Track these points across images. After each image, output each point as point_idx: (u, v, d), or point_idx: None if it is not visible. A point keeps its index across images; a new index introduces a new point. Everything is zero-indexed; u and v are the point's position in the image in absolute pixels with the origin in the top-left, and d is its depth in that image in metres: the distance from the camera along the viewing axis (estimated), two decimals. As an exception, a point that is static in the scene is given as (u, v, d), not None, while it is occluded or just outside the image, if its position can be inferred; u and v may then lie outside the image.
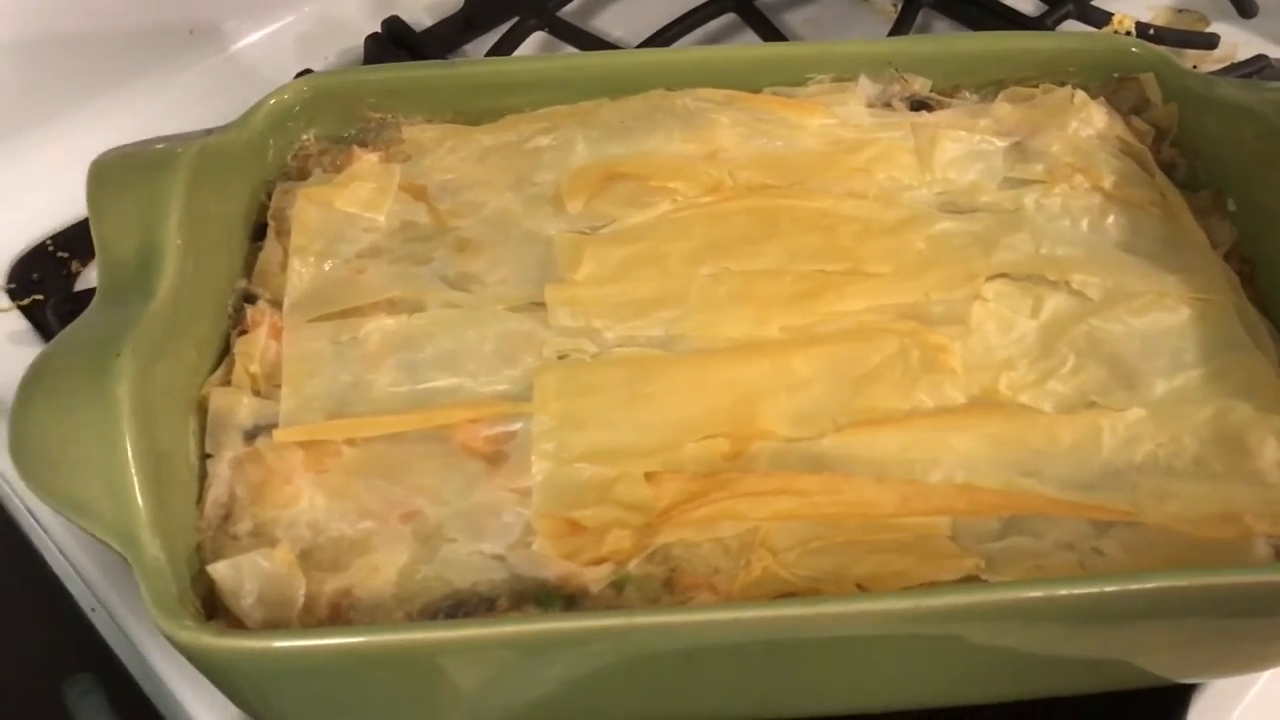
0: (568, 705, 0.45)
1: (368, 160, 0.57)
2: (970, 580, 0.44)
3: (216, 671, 0.42)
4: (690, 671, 0.43)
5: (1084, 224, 0.56)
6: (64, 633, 0.55)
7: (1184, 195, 0.57)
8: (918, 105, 0.60)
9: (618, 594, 0.44)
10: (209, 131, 0.53)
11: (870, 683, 0.47)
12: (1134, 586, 0.41)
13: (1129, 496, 0.46)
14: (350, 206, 0.55)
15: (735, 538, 0.45)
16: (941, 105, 0.60)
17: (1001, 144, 0.58)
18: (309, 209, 0.54)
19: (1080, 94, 0.59)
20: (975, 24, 0.80)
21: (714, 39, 0.81)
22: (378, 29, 0.80)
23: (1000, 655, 0.45)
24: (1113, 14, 0.79)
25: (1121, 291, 0.52)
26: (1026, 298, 0.52)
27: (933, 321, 0.51)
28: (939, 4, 0.81)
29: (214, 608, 0.44)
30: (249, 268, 0.54)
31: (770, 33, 0.79)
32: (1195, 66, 0.75)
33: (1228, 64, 0.77)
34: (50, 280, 0.67)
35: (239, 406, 0.48)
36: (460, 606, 0.44)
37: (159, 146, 0.51)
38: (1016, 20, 0.80)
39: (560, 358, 0.50)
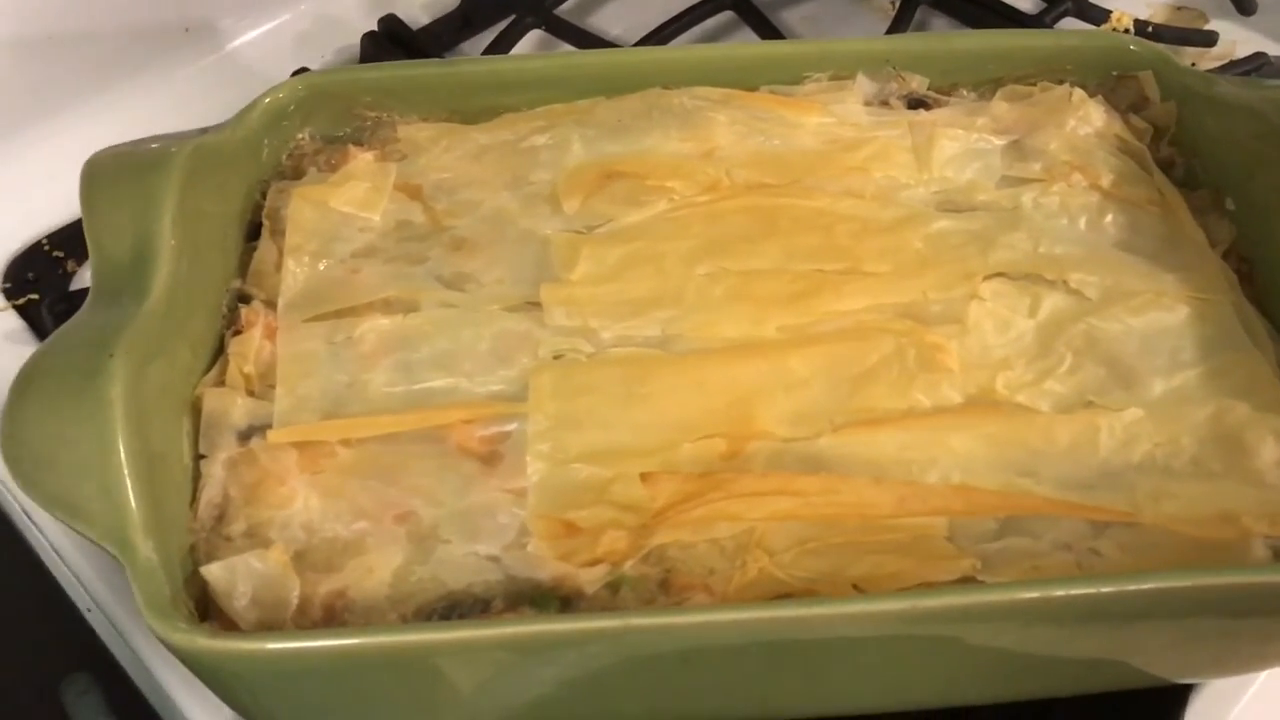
0: (563, 707, 0.45)
1: (363, 159, 0.57)
2: (967, 581, 0.44)
3: (210, 673, 0.42)
4: (686, 673, 0.43)
5: (1082, 223, 0.55)
6: (61, 632, 0.55)
7: (1182, 194, 0.57)
8: (915, 103, 0.60)
9: (613, 595, 0.44)
10: (203, 130, 0.53)
11: (867, 684, 0.46)
12: (1131, 587, 0.41)
13: (1127, 497, 0.46)
14: (345, 206, 0.55)
15: (731, 538, 0.45)
16: (939, 103, 0.60)
17: (999, 142, 0.58)
18: (304, 208, 0.54)
19: (1078, 92, 0.59)
20: (973, 22, 0.80)
21: (711, 37, 0.81)
22: (374, 27, 0.80)
23: (997, 656, 0.44)
24: (1111, 11, 0.79)
25: (1119, 290, 0.52)
26: (1024, 297, 0.52)
27: (930, 321, 0.51)
28: (937, 1, 0.81)
29: (207, 609, 0.44)
30: (243, 267, 0.54)
31: (768, 31, 0.79)
32: (1194, 64, 0.74)
33: (1226, 61, 0.77)
34: (45, 280, 0.67)
35: (233, 407, 0.48)
36: (455, 608, 0.44)
37: (153, 145, 0.51)
38: (1015, 18, 0.79)
39: (556, 358, 0.50)
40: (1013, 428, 0.48)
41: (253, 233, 0.55)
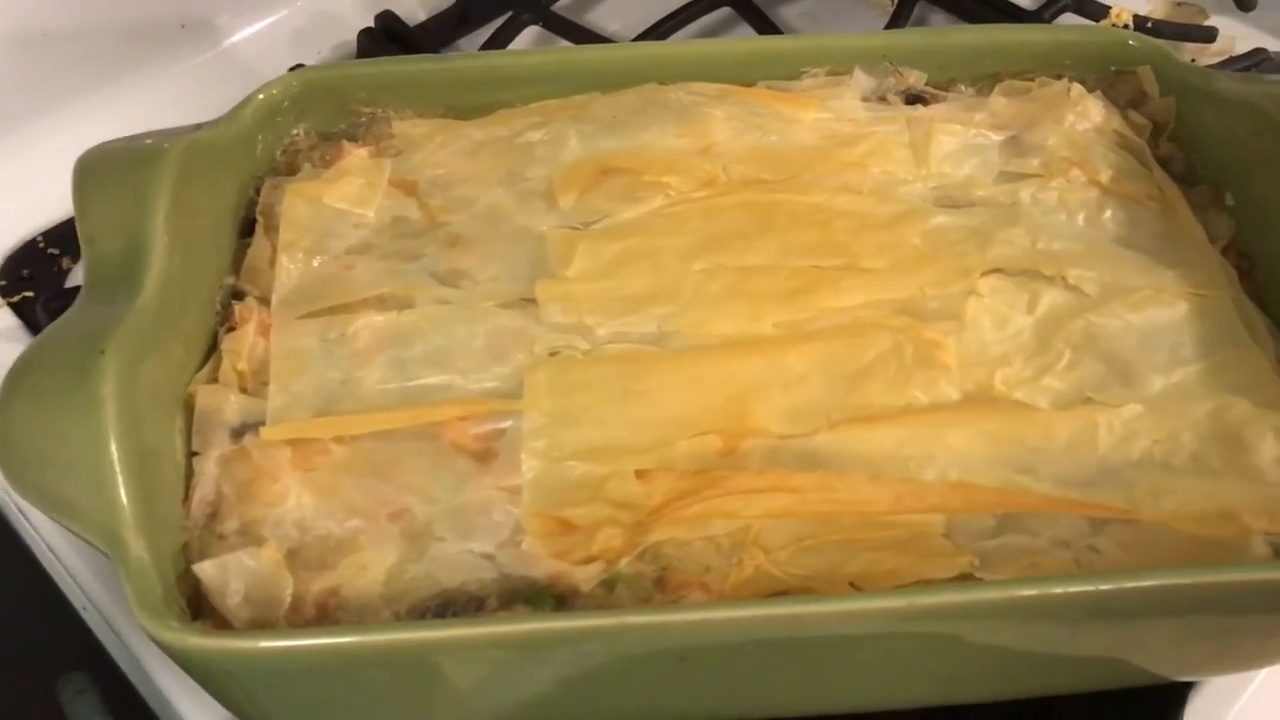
0: (558, 706, 0.44)
1: (358, 155, 0.56)
2: (965, 579, 0.43)
3: (202, 672, 0.42)
4: (682, 671, 0.43)
5: (1081, 218, 0.55)
6: (57, 631, 0.55)
7: (1182, 189, 0.56)
8: (913, 99, 0.60)
9: (608, 593, 0.44)
10: (197, 127, 0.53)
11: (864, 682, 0.46)
12: (1130, 585, 0.41)
13: (1126, 494, 0.46)
14: (340, 202, 0.54)
15: (727, 536, 0.45)
16: (937, 99, 0.60)
17: (997, 138, 0.58)
18: (298, 204, 0.54)
19: (1077, 87, 0.59)
20: (971, 17, 0.80)
21: (709, 33, 0.80)
22: (371, 23, 0.80)
23: (995, 654, 0.44)
24: (1110, 7, 0.78)
25: (1118, 287, 0.52)
26: (1022, 293, 0.52)
27: (928, 317, 0.51)
28: (935, -3, 0.81)
29: (200, 608, 0.44)
30: (237, 264, 0.53)
31: (765, 26, 0.79)
32: (1193, 60, 0.74)
33: (1226, 57, 0.77)
34: (41, 277, 0.67)
35: (226, 404, 0.48)
36: (449, 606, 0.44)
37: (146, 142, 0.50)
38: (1013, 13, 0.79)
39: (551, 354, 0.50)
40: (1011, 424, 0.48)
41: (247, 229, 0.55)
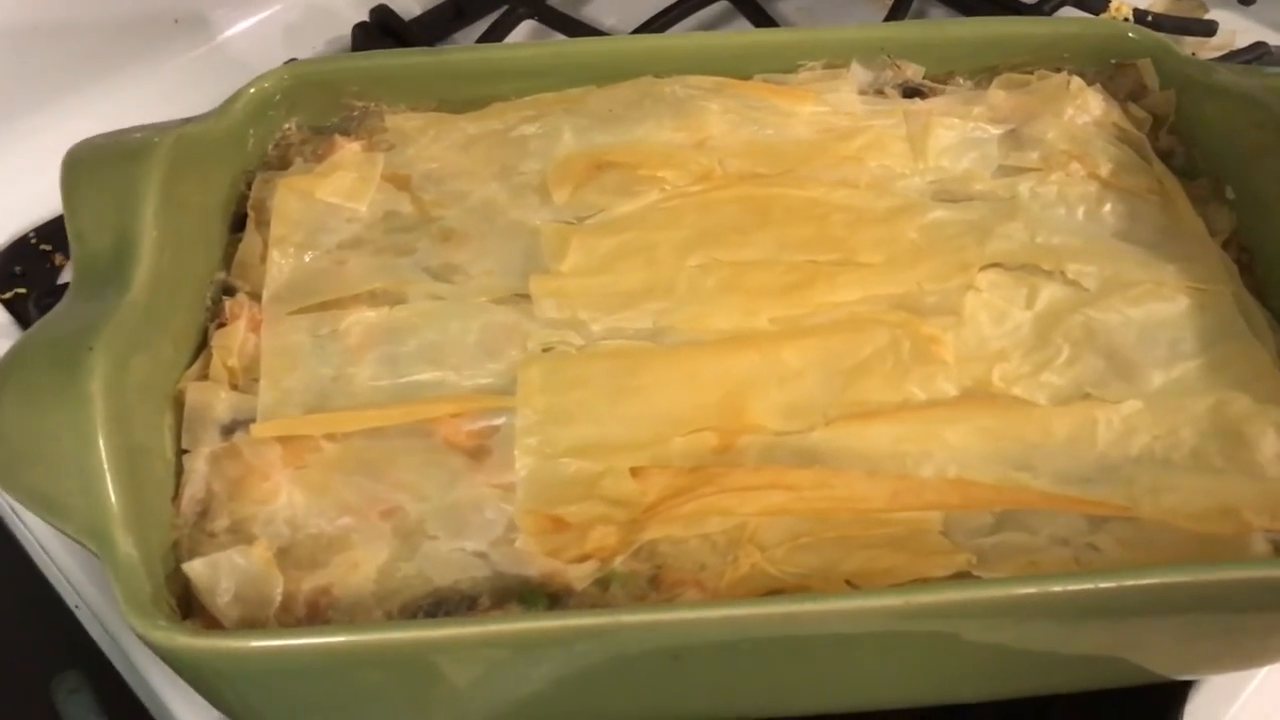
0: (552, 705, 0.44)
1: (350, 149, 0.56)
2: (963, 577, 0.43)
3: (192, 671, 0.41)
4: (677, 670, 0.42)
5: (1080, 212, 0.55)
6: (51, 630, 0.55)
7: (1182, 183, 0.56)
8: (911, 92, 0.59)
9: (603, 592, 0.44)
10: (187, 120, 0.53)
11: (861, 681, 0.46)
12: (1130, 583, 0.40)
13: (1125, 490, 0.46)
14: (332, 196, 0.54)
15: (723, 534, 0.45)
16: (935, 92, 0.59)
17: (996, 131, 0.57)
18: (289, 199, 0.54)
19: (1076, 80, 0.59)
20: (970, 9, 0.80)
21: (706, 27, 0.80)
22: (366, 18, 0.80)
23: (993, 653, 0.44)
24: (1110, 0, 0.78)
25: (1118, 281, 0.52)
26: (1021, 288, 0.51)
27: (925, 312, 0.51)
28: (934, -10, 0.81)
29: (190, 606, 0.43)
30: (228, 259, 0.53)
31: (763, 20, 0.79)
32: (1194, 54, 0.74)
33: (1226, 51, 0.77)
34: (33, 273, 0.67)
35: (216, 401, 0.47)
36: (441, 605, 0.43)
37: (135, 136, 0.50)
38: (1012, 5, 0.79)
39: (545, 350, 0.49)
40: (1009, 421, 0.47)
41: (238, 224, 0.55)
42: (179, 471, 0.46)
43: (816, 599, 0.42)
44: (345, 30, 0.80)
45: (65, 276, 0.66)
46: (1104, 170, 0.56)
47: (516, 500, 0.45)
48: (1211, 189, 0.56)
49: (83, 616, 0.54)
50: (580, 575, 0.43)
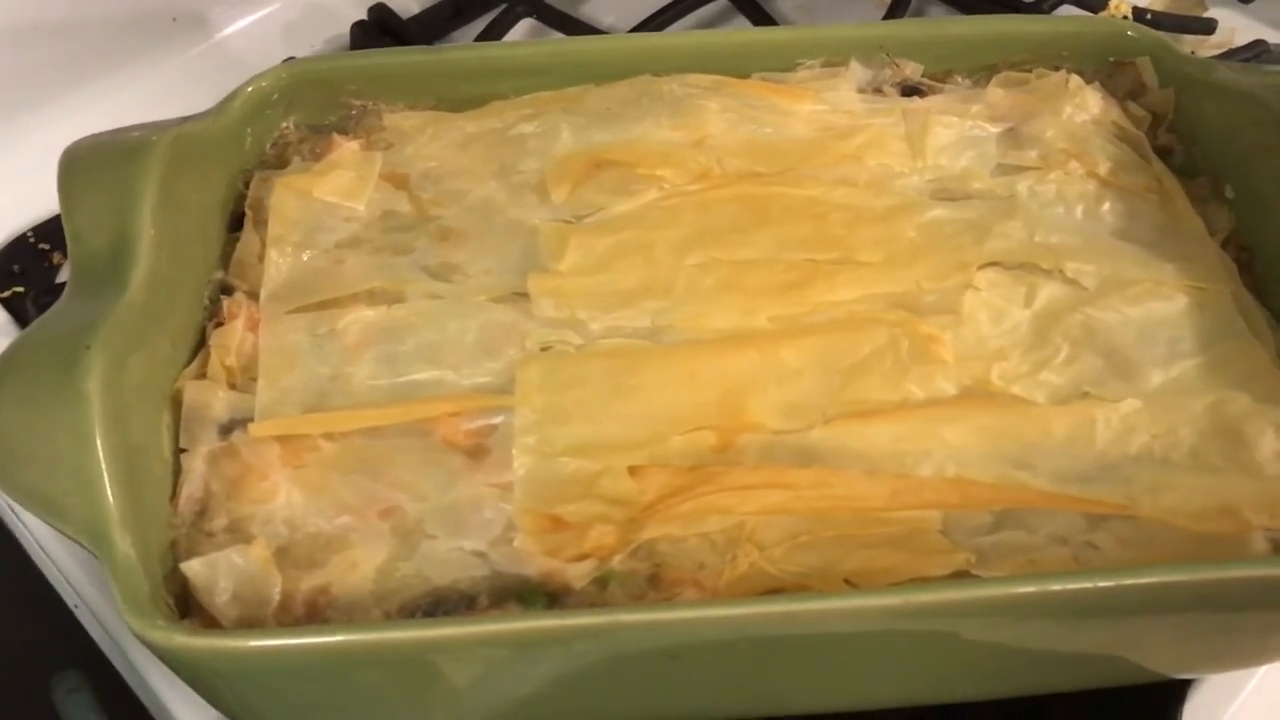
0: (551, 705, 0.44)
1: (348, 148, 0.56)
2: (962, 576, 0.43)
3: (190, 671, 0.41)
4: (675, 670, 0.42)
5: (1079, 211, 0.55)
6: (50, 630, 0.55)
7: (1181, 182, 0.56)
8: (909, 91, 0.59)
9: (601, 591, 0.44)
10: (185, 119, 0.53)
11: (860, 680, 0.46)
12: (1129, 582, 0.40)
13: (1124, 489, 0.46)
14: (330, 195, 0.54)
15: (722, 533, 0.45)
16: (933, 90, 0.59)
17: (994, 130, 0.57)
18: (287, 198, 0.53)
19: (1075, 79, 0.59)
20: (968, 7, 0.80)
21: (704, 26, 0.80)
22: (364, 16, 0.80)
23: (992, 652, 0.44)
24: (1109, -2, 0.78)
25: (1117, 280, 0.51)
26: (1019, 286, 0.51)
27: (924, 311, 0.50)
28: (933, -12, 0.81)
29: (188, 606, 0.43)
30: (226, 258, 0.53)
31: (762, 18, 0.79)
32: (1192, 52, 0.74)
33: (1225, 49, 0.77)
34: (31, 272, 0.67)
35: (214, 400, 0.47)
36: (440, 604, 0.43)
37: (133, 134, 0.50)
38: (1010, 3, 0.79)
39: (544, 349, 0.49)
40: (1008, 420, 0.47)
41: (235, 223, 0.54)
42: (177, 471, 0.46)
43: (815, 598, 0.42)
44: (343, 29, 0.79)
45: (63, 275, 0.66)
46: (1103, 169, 0.56)
47: (515, 499, 0.45)
48: (1211, 188, 0.56)
49: (82, 616, 0.54)
50: (579, 574, 0.43)
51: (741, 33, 0.73)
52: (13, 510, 0.57)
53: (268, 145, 0.57)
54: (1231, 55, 0.75)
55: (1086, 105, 0.58)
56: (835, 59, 0.59)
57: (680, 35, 0.73)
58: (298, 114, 0.57)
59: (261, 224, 0.53)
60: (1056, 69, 0.59)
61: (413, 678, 0.41)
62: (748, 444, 0.47)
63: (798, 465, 0.46)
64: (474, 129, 0.57)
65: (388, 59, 0.60)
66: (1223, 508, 0.45)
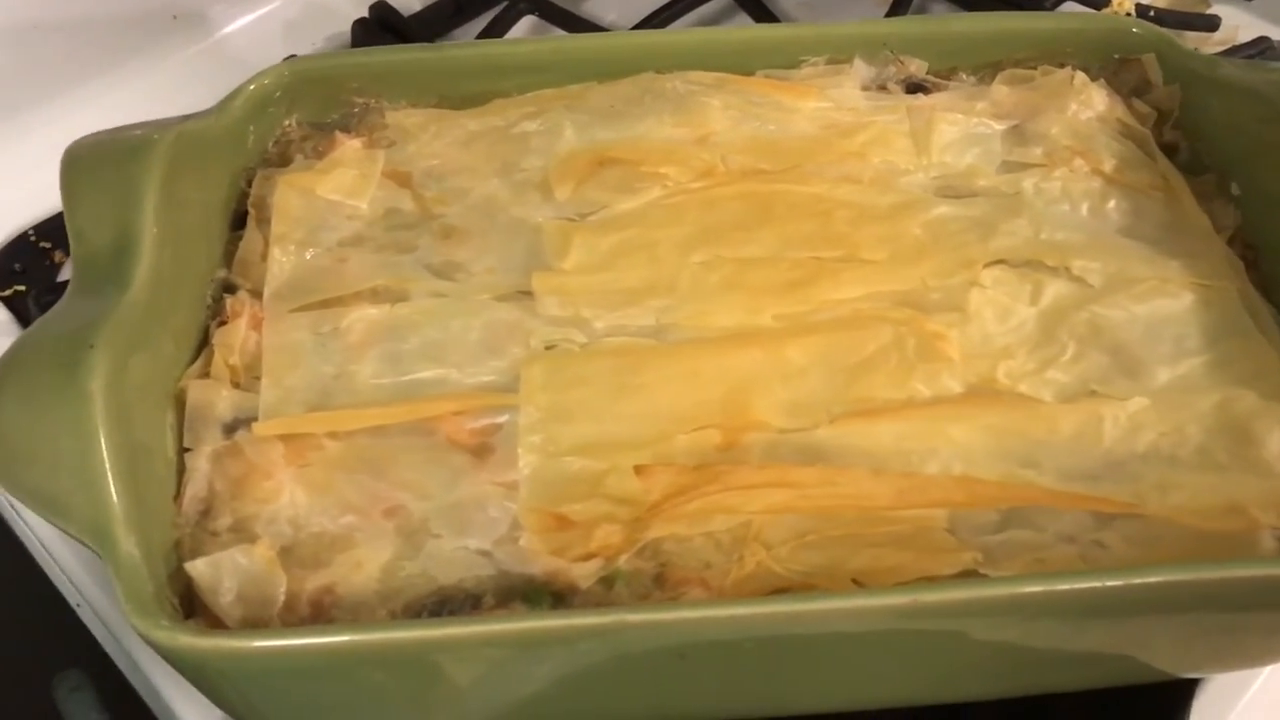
0: (556, 704, 0.44)
1: (351, 146, 0.56)
2: (969, 575, 0.43)
3: (194, 671, 0.41)
4: (681, 669, 0.42)
5: (1084, 208, 0.55)
6: (52, 629, 0.54)
7: (1186, 179, 0.56)
8: (914, 88, 0.59)
9: (607, 590, 0.43)
10: (187, 117, 0.52)
11: (867, 679, 0.46)
12: (1137, 580, 0.40)
13: (1131, 488, 0.45)
14: (332, 194, 0.54)
15: (727, 532, 0.44)
16: (938, 88, 0.59)
17: (999, 127, 0.57)
18: (290, 196, 0.53)
19: (1080, 76, 0.59)
20: (973, 5, 0.80)
21: (707, 23, 0.80)
22: (365, 14, 0.79)
23: (999, 651, 0.44)
24: (1113, -5, 0.78)
25: (1123, 277, 0.51)
26: (1025, 284, 0.51)
27: (929, 309, 0.50)
28: (936, -15, 0.81)
29: (193, 606, 0.43)
30: (229, 257, 0.53)
31: (765, 16, 0.79)
32: (1196, 49, 0.73)
33: (1229, 46, 0.77)
34: (32, 271, 0.66)
35: (218, 399, 0.47)
36: (445, 604, 0.43)
37: (135, 133, 0.50)
38: (1015, 1, 0.79)
39: (548, 348, 0.49)
40: (1014, 418, 0.47)
41: (238, 221, 0.54)
42: (181, 470, 0.46)
43: (822, 598, 0.42)
44: (345, 26, 0.79)
45: (65, 274, 0.66)
46: (1108, 166, 0.56)
47: (520, 498, 0.45)
48: (1216, 185, 0.56)
49: (84, 615, 0.54)
50: (585, 574, 0.43)
51: (745, 30, 0.72)
52: (15, 509, 0.57)
53: (270, 143, 0.57)
54: (1235, 52, 0.75)
55: (1091, 102, 0.58)
56: (839, 56, 0.59)
57: (683, 32, 0.73)
58: (300, 112, 0.57)
59: (264, 222, 0.53)
60: (1061, 66, 0.59)
61: (418, 678, 0.41)
62: (753, 443, 0.47)
63: (803, 464, 0.46)
64: (477, 127, 0.57)
65: (390, 56, 0.60)
66: (1230, 506, 0.45)
